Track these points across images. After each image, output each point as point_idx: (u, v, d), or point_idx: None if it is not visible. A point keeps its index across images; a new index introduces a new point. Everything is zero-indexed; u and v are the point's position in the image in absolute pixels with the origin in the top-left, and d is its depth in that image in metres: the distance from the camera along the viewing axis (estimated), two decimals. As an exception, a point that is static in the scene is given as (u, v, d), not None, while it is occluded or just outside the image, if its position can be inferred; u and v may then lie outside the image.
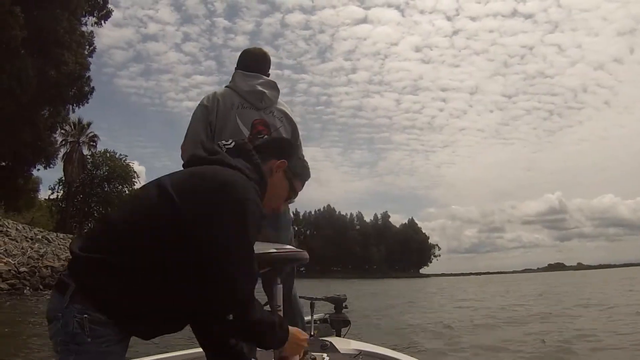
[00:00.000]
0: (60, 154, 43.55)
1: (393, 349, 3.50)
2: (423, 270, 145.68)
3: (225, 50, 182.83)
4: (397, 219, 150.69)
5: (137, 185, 46.78)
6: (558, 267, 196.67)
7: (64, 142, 45.79)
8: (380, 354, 3.19)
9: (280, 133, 2.98)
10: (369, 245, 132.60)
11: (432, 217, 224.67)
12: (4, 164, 28.44)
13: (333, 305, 4.36)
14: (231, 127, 2.88)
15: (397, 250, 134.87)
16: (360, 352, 3.17)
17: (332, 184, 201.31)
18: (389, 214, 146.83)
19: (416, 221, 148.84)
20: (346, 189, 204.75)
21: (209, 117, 2.90)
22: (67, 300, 1.50)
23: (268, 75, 3.18)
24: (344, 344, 3.43)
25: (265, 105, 2.99)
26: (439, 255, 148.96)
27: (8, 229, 19.98)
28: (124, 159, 44.54)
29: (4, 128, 25.39)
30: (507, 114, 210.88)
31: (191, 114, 3.03)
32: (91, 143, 50.55)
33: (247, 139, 2.74)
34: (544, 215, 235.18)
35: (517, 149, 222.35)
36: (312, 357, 2.78)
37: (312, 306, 3.83)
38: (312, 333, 3.62)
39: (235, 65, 3.19)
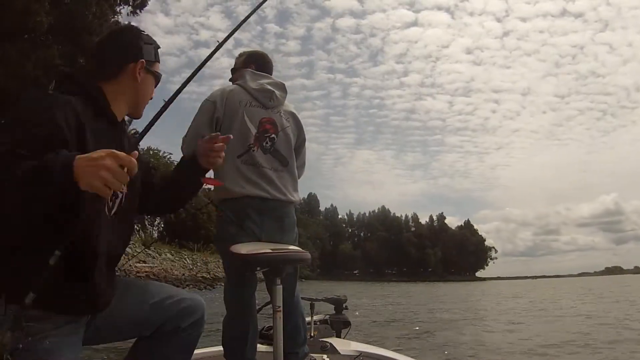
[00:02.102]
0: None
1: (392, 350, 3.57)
2: (479, 274, 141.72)
3: (277, 55, 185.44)
4: (452, 222, 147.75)
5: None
6: (616, 270, 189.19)
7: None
8: (379, 355, 3.30)
9: (288, 133, 2.99)
10: (424, 248, 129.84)
11: (487, 219, 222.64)
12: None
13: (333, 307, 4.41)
14: (238, 124, 2.85)
15: (453, 253, 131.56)
16: (360, 354, 3.31)
17: (386, 187, 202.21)
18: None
19: (472, 223, 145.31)
20: (400, 191, 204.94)
21: (215, 113, 2.85)
22: (3, 303, 1.49)
23: None
24: (343, 345, 3.55)
25: (273, 105, 2.98)
26: (496, 258, 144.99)
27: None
28: (167, 156, 43.01)
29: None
30: (561, 114, 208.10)
31: None
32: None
33: (254, 137, 2.85)
34: (599, 217, 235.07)
35: (571, 150, 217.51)
36: (312, 358, 3.06)
37: (312, 307, 4.02)
38: (312, 334, 3.77)
39: (237, 65, 3.18)
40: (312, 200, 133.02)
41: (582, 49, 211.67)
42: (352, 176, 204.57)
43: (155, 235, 44.46)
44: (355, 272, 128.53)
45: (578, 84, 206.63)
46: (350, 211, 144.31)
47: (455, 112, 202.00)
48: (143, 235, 37.88)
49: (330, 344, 3.45)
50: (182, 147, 2.89)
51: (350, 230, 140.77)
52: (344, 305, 4.39)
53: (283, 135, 2.97)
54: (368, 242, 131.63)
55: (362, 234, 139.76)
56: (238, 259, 2.38)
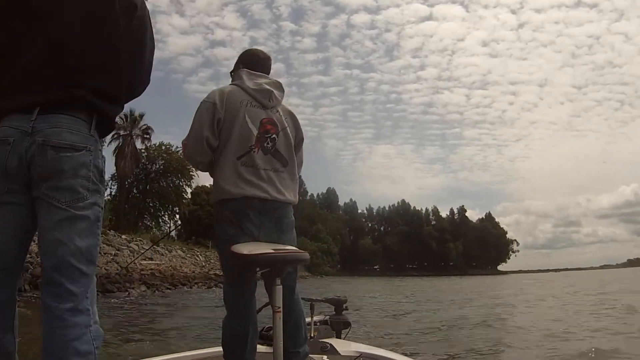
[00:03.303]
0: (112, 148, 41.76)
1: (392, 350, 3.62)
2: (500, 267, 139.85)
3: (293, 53, 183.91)
4: (472, 215, 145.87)
5: (195, 180, 44.69)
6: (637, 262, 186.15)
7: (115, 136, 43.65)
8: (379, 356, 3.32)
9: (287, 133, 3.00)
10: (445, 241, 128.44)
11: (507, 212, 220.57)
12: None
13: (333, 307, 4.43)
14: (240, 124, 2.86)
15: (474, 246, 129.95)
16: (361, 354, 3.34)
17: (405, 181, 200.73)
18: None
19: (493, 215, 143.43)
20: (419, 185, 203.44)
21: (216, 114, 2.83)
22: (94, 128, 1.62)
23: None
24: (344, 346, 3.60)
25: (272, 105, 2.99)
26: (518, 251, 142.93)
27: (18, 221, 18.05)
28: (180, 151, 42.23)
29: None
30: (578, 105, 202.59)
31: None
32: (145, 136, 46.63)
33: (255, 138, 2.84)
34: (619, 208, 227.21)
35: (590, 140, 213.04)
36: (312, 359, 3.05)
37: (312, 307, 4.07)
38: (312, 335, 3.81)
39: (234, 65, 3.19)
40: (331, 195, 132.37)
41: (598, 39, 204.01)
42: (371, 171, 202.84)
43: (173, 232, 43.82)
44: (376, 267, 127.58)
45: (595, 75, 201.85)
46: (369, 206, 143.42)
47: (472, 105, 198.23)
48: (157, 232, 37.40)
49: (330, 344, 3.50)
50: (183, 152, 2.95)
51: (370, 225, 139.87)
52: (344, 306, 4.43)
53: (283, 135, 2.97)
54: (388, 237, 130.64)
55: (382, 229, 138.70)
56: (239, 259, 2.42)
